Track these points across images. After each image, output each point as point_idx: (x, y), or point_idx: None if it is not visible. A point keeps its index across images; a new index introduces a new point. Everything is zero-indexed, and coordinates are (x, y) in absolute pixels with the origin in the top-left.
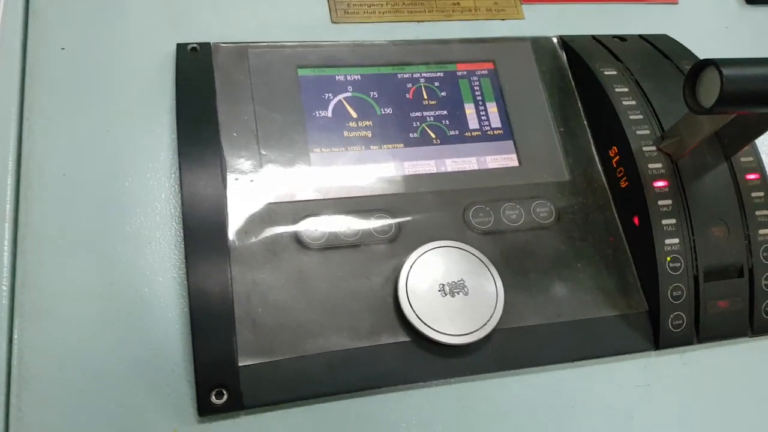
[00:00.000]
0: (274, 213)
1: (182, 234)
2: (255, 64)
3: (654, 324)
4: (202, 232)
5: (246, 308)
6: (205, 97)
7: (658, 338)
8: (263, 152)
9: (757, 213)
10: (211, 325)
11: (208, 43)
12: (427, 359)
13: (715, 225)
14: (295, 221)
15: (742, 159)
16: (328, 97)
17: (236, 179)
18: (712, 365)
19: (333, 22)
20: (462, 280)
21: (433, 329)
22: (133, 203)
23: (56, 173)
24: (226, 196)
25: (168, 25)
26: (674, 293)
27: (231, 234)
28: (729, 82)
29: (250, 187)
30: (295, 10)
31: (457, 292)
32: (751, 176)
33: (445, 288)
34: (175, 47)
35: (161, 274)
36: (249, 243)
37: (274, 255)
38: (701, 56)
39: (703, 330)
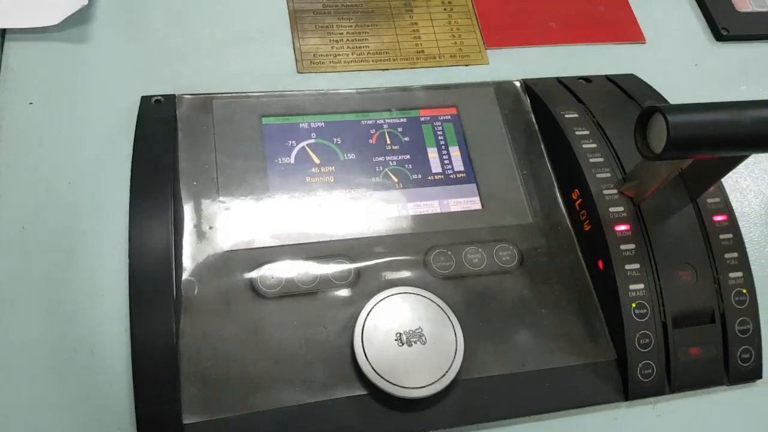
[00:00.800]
0: (230, 261)
1: None
2: (219, 114)
3: (623, 373)
4: (146, 284)
5: (195, 362)
6: (163, 147)
7: (627, 388)
8: (222, 199)
9: (726, 256)
10: (153, 382)
11: (173, 95)
12: (384, 414)
13: (681, 269)
14: (252, 269)
15: (709, 200)
16: (292, 144)
17: (194, 227)
18: (687, 416)
19: (299, 72)
20: (420, 328)
21: (389, 382)
22: (89, 255)
23: (15, 225)
24: (177, 246)
25: (135, 78)
26: (641, 341)
27: (184, 284)
28: (675, 128)
29: (207, 235)
30: (261, 61)
31: (415, 341)
32: (719, 218)
33: (402, 337)
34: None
35: (112, 327)
36: (202, 293)
37: (228, 305)
38: (670, 95)
39: (675, 379)
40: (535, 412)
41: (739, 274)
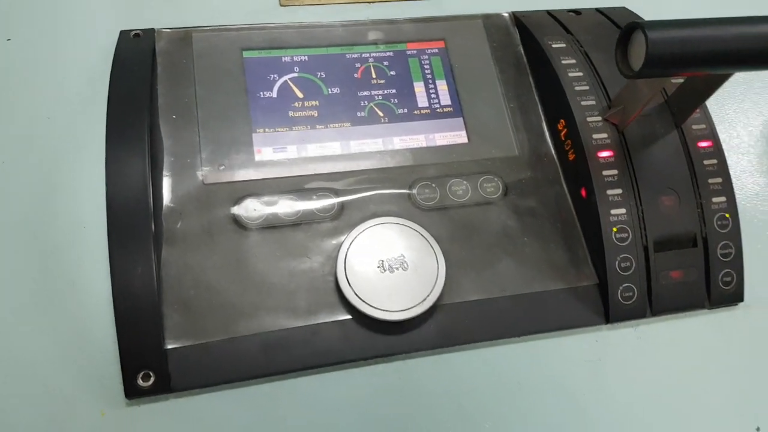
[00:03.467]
0: (213, 194)
1: None
2: (199, 48)
3: (604, 297)
4: (124, 216)
5: (177, 291)
6: (141, 81)
7: (608, 311)
8: (202, 133)
9: (710, 181)
10: (134, 309)
11: (152, 29)
12: (367, 337)
13: (664, 194)
14: (234, 202)
15: (694, 126)
16: (274, 78)
17: (172, 161)
18: (668, 338)
19: (281, 5)
20: (402, 255)
21: (370, 305)
22: (68, 189)
23: None
24: (156, 179)
25: (114, 13)
26: (622, 264)
27: (165, 216)
28: (654, 44)
29: (186, 169)
30: None
31: (397, 268)
32: (704, 143)
33: (384, 264)
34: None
35: (93, 259)
36: (183, 225)
37: (210, 236)
38: None
39: (656, 302)
40: (515, 335)
41: (723, 198)
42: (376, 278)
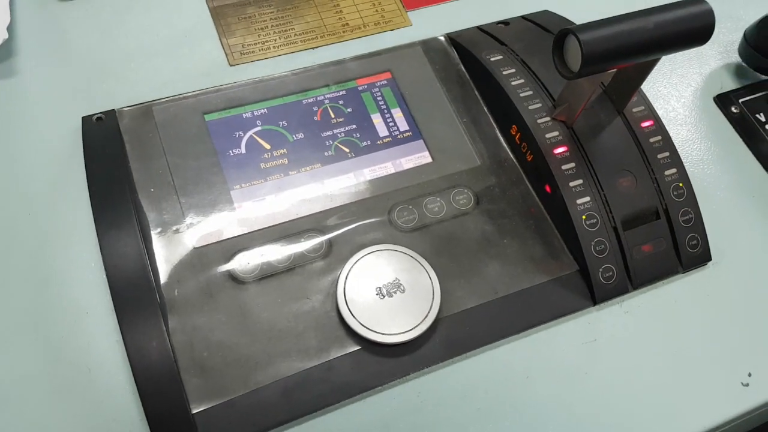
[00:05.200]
0: (204, 256)
1: None
2: (161, 119)
3: (587, 281)
4: (128, 292)
5: (191, 355)
6: (114, 161)
7: (593, 293)
8: (183, 200)
9: (659, 156)
10: (157, 382)
11: (113, 110)
12: (379, 363)
13: (621, 176)
14: (227, 260)
15: (634, 110)
16: (239, 135)
17: (159, 232)
18: (653, 307)
19: (231, 65)
20: (397, 279)
21: (377, 332)
22: (64, 279)
23: None
24: (149, 252)
25: (72, 102)
26: (597, 248)
27: (163, 286)
28: (587, 45)
29: (175, 237)
30: (193, 62)
31: (394, 292)
32: (646, 123)
33: (382, 290)
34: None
35: (103, 341)
36: (183, 291)
37: (210, 297)
38: (584, 21)
39: (635, 276)
40: (516, 332)
41: (674, 170)
42: (376, 305)
